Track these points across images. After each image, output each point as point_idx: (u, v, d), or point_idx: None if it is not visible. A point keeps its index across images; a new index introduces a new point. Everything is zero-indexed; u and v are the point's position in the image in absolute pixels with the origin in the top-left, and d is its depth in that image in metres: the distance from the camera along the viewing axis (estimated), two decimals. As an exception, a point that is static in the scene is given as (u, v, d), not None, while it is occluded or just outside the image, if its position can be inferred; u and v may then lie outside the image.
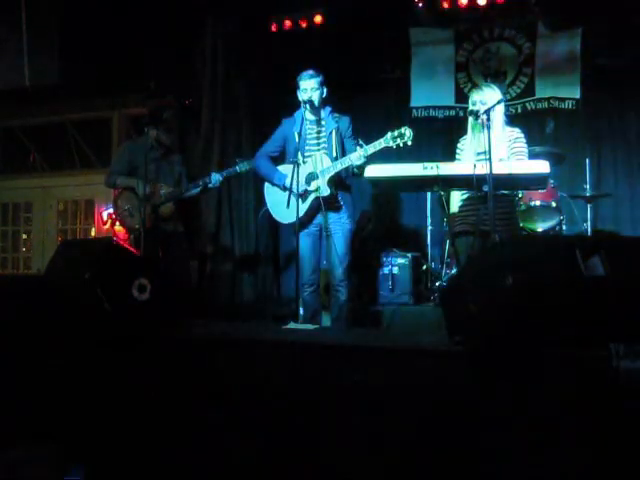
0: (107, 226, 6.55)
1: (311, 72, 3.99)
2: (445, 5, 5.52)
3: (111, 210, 4.96)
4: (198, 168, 5.51)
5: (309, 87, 3.95)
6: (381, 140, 3.76)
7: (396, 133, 3.73)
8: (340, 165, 3.85)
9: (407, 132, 3.72)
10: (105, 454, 2.58)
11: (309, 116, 4.02)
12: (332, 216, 3.99)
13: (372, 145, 3.77)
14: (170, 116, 4.73)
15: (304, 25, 5.85)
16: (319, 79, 3.98)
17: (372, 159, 3.82)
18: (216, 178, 4.45)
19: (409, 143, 3.72)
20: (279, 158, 4.16)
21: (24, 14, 5.74)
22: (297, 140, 3.90)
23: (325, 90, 4.02)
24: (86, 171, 7.19)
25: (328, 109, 4.07)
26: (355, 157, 3.79)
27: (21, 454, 2.59)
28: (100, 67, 6.04)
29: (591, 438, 1.96)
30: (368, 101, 5.83)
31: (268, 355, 2.66)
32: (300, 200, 3.85)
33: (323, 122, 4.04)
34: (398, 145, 3.73)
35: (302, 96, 3.97)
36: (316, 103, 3.96)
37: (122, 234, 5.09)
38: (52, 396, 2.75)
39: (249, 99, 5.97)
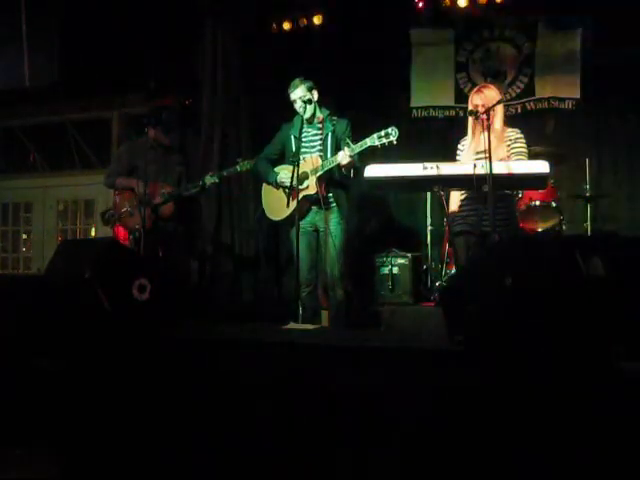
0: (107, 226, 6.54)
1: (296, 82, 4.05)
2: (445, 5, 5.53)
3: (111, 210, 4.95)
4: (198, 168, 5.51)
5: (297, 97, 4.01)
6: (367, 140, 3.77)
7: (382, 133, 3.73)
8: (328, 164, 3.89)
9: (393, 132, 3.71)
10: (105, 454, 2.58)
11: (306, 120, 4.05)
12: (324, 215, 4.01)
13: (358, 144, 3.79)
14: (169, 116, 4.74)
15: (304, 25, 5.85)
16: (305, 86, 4.02)
17: (372, 159, 3.83)
18: (210, 181, 4.50)
19: (395, 142, 3.72)
20: (278, 161, 4.20)
21: (24, 14, 5.75)
22: (292, 143, 3.96)
23: (315, 93, 4.04)
24: (86, 171, 7.19)
25: (326, 112, 4.09)
26: (341, 156, 3.81)
27: (21, 454, 2.59)
28: (100, 67, 6.04)
29: (591, 438, 1.96)
30: (368, 101, 5.83)
31: (268, 355, 2.66)
32: (290, 199, 3.92)
33: (319, 125, 4.07)
34: (384, 145, 3.73)
35: (295, 106, 4.03)
36: (309, 109, 4.00)
37: (122, 234, 5.09)
38: (52, 396, 2.75)
39: (249, 99, 5.97)
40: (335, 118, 4.08)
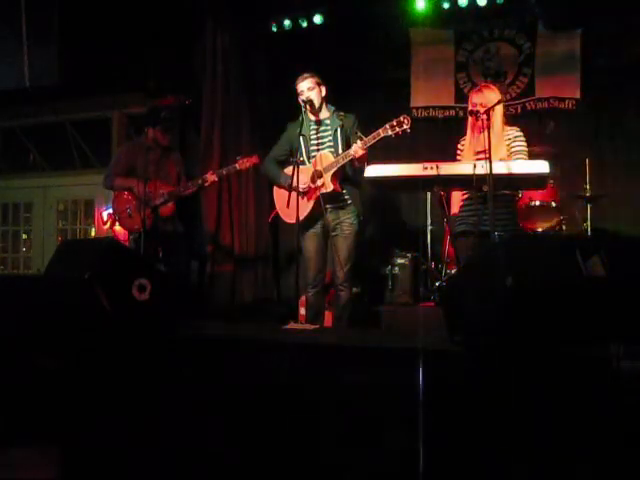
0: (107, 226, 6.54)
1: (305, 74, 4.02)
2: (445, 5, 5.53)
3: (111, 210, 4.96)
4: (198, 167, 5.51)
5: (305, 88, 3.98)
6: (379, 130, 3.69)
7: (394, 122, 3.66)
8: (342, 160, 3.83)
9: (405, 120, 3.64)
10: (105, 454, 2.58)
11: (311, 117, 4.03)
12: (339, 214, 3.97)
13: (371, 136, 3.72)
14: (169, 116, 4.73)
15: (304, 25, 5.85)
16: (314, 79, 4.00)
17: (373, 158, 3.82)
18: (210, 179, 4.49)
19: (408, 131, 3.65)
20: (287, 162, 4.14)
21: (24, 14, 5.74)
22: (301, 141, 3.92)
23: (323, 89, 4.02)
24: (86, 171, 7.19)
25: (332, 108, 4.07)
26: (355, 149, 3.73)
27: (21, 454, 2.59)
28: (100, 67, 6.03)
29: (591, 438, 1.96)
30: (368, 101, 5.83)
31: (268, 355, 2.66)
32: (305, 199, 3.85)
33: (327, 121, 4.04)
34: (397, 134, 3.66)
35: (301, 98, 3.99)
36: (315, 102, 3.96)
37: (122, 234, 5.10)
38: (52, 396, 2.75)
39: (249, 99, 5.97)
40: (342, 113, 4.03)
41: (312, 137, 4.01)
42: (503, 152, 3.66)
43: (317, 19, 5.78)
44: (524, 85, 5.66)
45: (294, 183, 3.73)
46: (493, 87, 3.82)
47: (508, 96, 5.54)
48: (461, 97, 5.71)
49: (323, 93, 4.02)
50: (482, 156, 3.47)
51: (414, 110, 5.91)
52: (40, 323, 2.90)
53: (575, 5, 5.32)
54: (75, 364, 2.78)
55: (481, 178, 3.32)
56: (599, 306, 2.09)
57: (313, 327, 3.63)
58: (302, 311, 4.26)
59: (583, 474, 1.95)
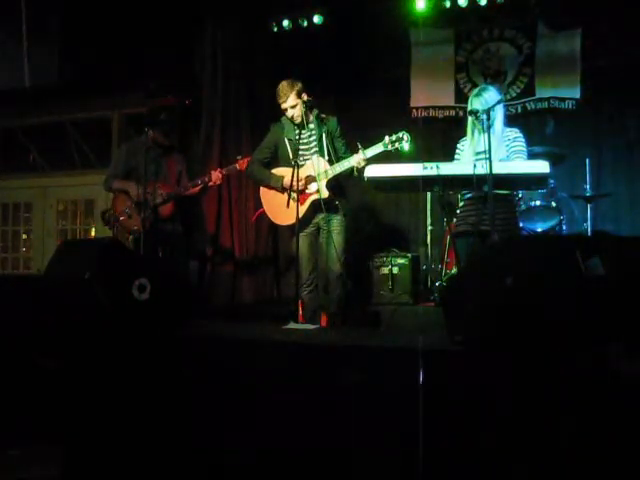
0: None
1: (285, 89, 3.93)
2: (445, 5, 5.54)
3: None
4: (198, 168, 5.51)
5: (288, 106, 3.95)
6: (379, 144, 3.83)
7: (394, 137, 3.81)
8: (340, 168, 3.89)
9: (405, 136, 3.79)
10: (105, 453, 2.58)
11: (297, 122, 4.01)
12: (329, 215, 4.01)
13: (371, 149, 3.83)
14: (168, 117, 4.73)
15: (304, 25, 5.86)
16: (293, 93, 3.92)
17: (372, 159, 3.84)
18: (215, 176, 4.47)
19: (406, 147, 3.80)
20: (271, 163, 4.17)
21: (24, 14, 5.75)
22: (289, 145, 3.94)
23: (305, 95, 3.93)
24: (86, 171, 7.18)
25: (315, 112, 4.06)
26: (356, 160, 3.83)
27: (21, 454, 2.60)
28: (100, 67, 6.04)
29: (591, 438, 1.96)
30: (368, 101, 5.83)
31: (268, 355, 2.66)
32: (299, 203, 3.87)
33: (311, 125, 4.02)
34: (396, 149, 3.82)
35: (286, 113, 4.00)
36: (299, 117, 3.95)
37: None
38: (52, 396, 2.75)
39: (249, 99, 5.98)
40: (323, 116, 4.05)
41: (297, 140, 3.97)
42: (503, 152, 3.66)
43: (317, 19, 5.78)
44: (524, 85, 5.66)
45: (293, 185, 3.76)
46: (492, 88, 3.82)
47: (508, 96, 5.54)
48: (461, 97, 5.72)
49: (305, 98, 3.96)
50: (482, 156, 3.47)
51: (414, 110, 5.92)
52: (40, 323, 2.90)
53: (575, 5, 5.32)
54: (75, 363, 2.78)
55: (481, 178, 3.32)
56: (599, 306, 2.09)
57: (313, 327, 3.63)
58: (302, 311, 4.27)
59: (583, 474, 1.95)
